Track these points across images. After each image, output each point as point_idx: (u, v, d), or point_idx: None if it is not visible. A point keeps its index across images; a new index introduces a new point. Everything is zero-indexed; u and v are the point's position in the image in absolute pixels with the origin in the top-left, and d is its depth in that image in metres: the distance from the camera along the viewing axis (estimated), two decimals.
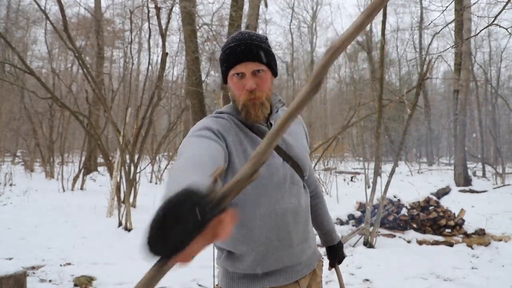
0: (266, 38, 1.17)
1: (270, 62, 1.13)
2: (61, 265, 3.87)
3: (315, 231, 1.39)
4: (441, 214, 5.22)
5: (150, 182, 11.29)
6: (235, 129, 1.11)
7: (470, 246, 4.83)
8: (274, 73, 1.16)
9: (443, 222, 5.15)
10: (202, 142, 0.94)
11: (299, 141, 1.21)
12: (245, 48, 1.07)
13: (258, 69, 1.09)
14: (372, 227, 4.80)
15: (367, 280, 3.72)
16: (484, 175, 14.96)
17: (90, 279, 3.52)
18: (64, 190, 8.66)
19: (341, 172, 14.51)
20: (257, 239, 1.09)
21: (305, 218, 1.19)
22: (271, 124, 1.16)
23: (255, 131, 1.13)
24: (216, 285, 1.22)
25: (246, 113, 1.10)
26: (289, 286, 1.14)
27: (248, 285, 1.12)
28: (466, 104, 12.10)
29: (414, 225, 5.25)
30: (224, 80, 1.16)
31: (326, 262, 1.48)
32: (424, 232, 5.19)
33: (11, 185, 9.34)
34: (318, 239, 1.45)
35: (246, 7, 10.29)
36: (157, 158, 11.62)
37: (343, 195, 7.95)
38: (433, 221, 5.23)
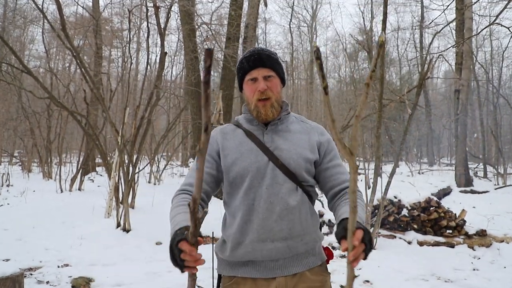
0: (276, 53, 1.38)
1: (279, 71, 1.34)
2: (58, 266, 3.84)
3: (320, 236, 1.37)
4: (442, 215, 5.18)
5: (149, 182, 11.23)
6: (234, 133, 1.36)
7: (471, 247, 4.79)
8: (283, 81, 1.38)
9: (444, 223, 5.11)
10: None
11: (295, 148, 1.30)
12: (258, 57, 1.30)
13: (269, 75, 1.31)
14: (372, 228, 4.76)
15: (368, 281, 3.68)
16: (485, 176, 14.93)
17: (88, 281, 3.49)
18: (62, 191, 8.61)
19: None
20: (234, 228, 1.26)
21: (290, 218, 1.24)
22: (266, 128, 1.33)
23: (249, 136, 1.32)
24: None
25: (257, 113, 1.31)
26: (259, 281, 1.24)
27: (228, 271, 1.29)
28: (467, 104, 12.06)
29: (415, 226, 5.21)
30: (240, 87, 1.38)
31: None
32: (425, 233, 5.15)
33: (8, 185, 9.29)
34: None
35: (245, 6, 10.25)
36: (156, 158, 11.58)
37: None
38: (434, 222, 5.20)
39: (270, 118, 1.30)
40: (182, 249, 0.93)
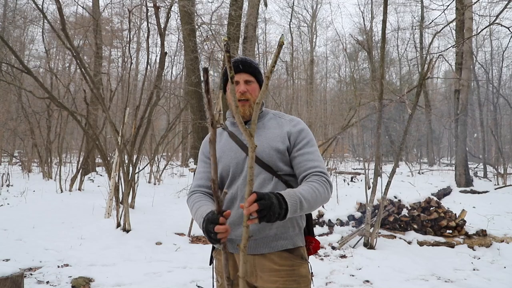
0: (258, 63, 1.58)
1: (259, 77, 1.54)
2: (58, 267, 3.83)
3: (298, 224, 1.48)
4: (442, 215, 5.17)
5: (149, 182, 11.23)
6: (221, 136, 1.58)
7: (471, 247, 4.79)
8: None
9: (444, 223, 5.11)
10: (201, 168, 1.60)
11: (267, 142, 1.46)
12: (240, 63, 1.49)
13: (249, 80, 1.50)
14: (372, 228, 4.76)
15: (368, 281, 3.68)
16: (485, 176, 14.91)
17: (88, 281, 3.48)
18: (62, 191, 8.61)
19: (341, 173, 14.46)
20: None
21: None
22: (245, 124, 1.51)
23: (232, 136, 1.53)
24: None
25: None
26: (235, 255, 1.44)
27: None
28: (467, 104, 12.05)
29: (415, 226, 5.20)
30: (224, 90, 1.59)
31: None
32: (425, 233, 5.15)
33: (8, 185, 9.28)
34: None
35: (245, 6, 10.25)
36: (156, 158, 11.57)
37: (343, 196, 7.91)
38: (434, 222, 5.19)
39: (247, 116, 1.49)
40: (218, 231, 1.13)
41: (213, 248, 1.57)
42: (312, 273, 1.48)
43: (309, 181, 1.36)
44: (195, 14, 9.44)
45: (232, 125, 1.57)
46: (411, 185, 10.29)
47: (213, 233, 1.16)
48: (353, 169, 17.62)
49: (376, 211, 5.08)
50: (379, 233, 4.96)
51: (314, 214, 5.44)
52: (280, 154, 1.45)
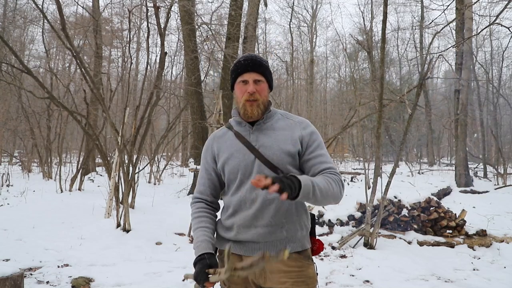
0: (267, 62, 1.54)
1: (268, 77, 1.50)
2: (58, 267, 3.83)
3: (304, 225, 1.49)
4: (442, 215, 5.17)
5: (149, 182, 11.24)
6: (226, 136, 1.53)
7: (471, 247, 4.79)
8: (271, 87, 1.54)
9: (444, 223, 5.11)
10: (203, 173, 1.56)
11: (277, 144, 1.44)
12: (250, 62, 1.46)
13: (259, 79, 1.46)
14: (372, 228, 4.76)
15: (368, 281, 3.68)
16: (485, 176, 14.92)
17: (87, 281, 3.49)
18: (62, 191, 8.61)
19: (341, 173, 14.38)
20: (227, 216, 1.49)
21: (272, 207, 1.40)
22: (251, 127, 1.49)
23: (238, 137, 1.48)
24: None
25: (244, 111, 1.46)
26: (243, 257, 1.44)
27: (221, 246, 1.52)
28: (467, 104, 12.05)
29: (415, 226, 5.20)
30: (232, 87, 1.53)
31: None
32: (425, 233, 5.15)
33: (8, 185, 9.29)
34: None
35: (245, 6, 10.25)
36: (156, 158, 11.57)
37: (343, 196, 7.92)
38: (434, 222, 5.19)
39: (255, 116, 1.46)
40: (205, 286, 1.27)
41: (216, 249, 1.56)
42: (317, 273, 1.49)
43: (322, 174, 1.39)
44: (195, 14, 9.45)
45: (238, 125, 1.52)
46: (411, 185, 10.29)
47: (202, 281, 1.28)
48: (353, 169, 17.62)
49: (376, 211, 5.08)
50: (379, 233, 4.96)
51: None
52: (291, 157, 1.43)
